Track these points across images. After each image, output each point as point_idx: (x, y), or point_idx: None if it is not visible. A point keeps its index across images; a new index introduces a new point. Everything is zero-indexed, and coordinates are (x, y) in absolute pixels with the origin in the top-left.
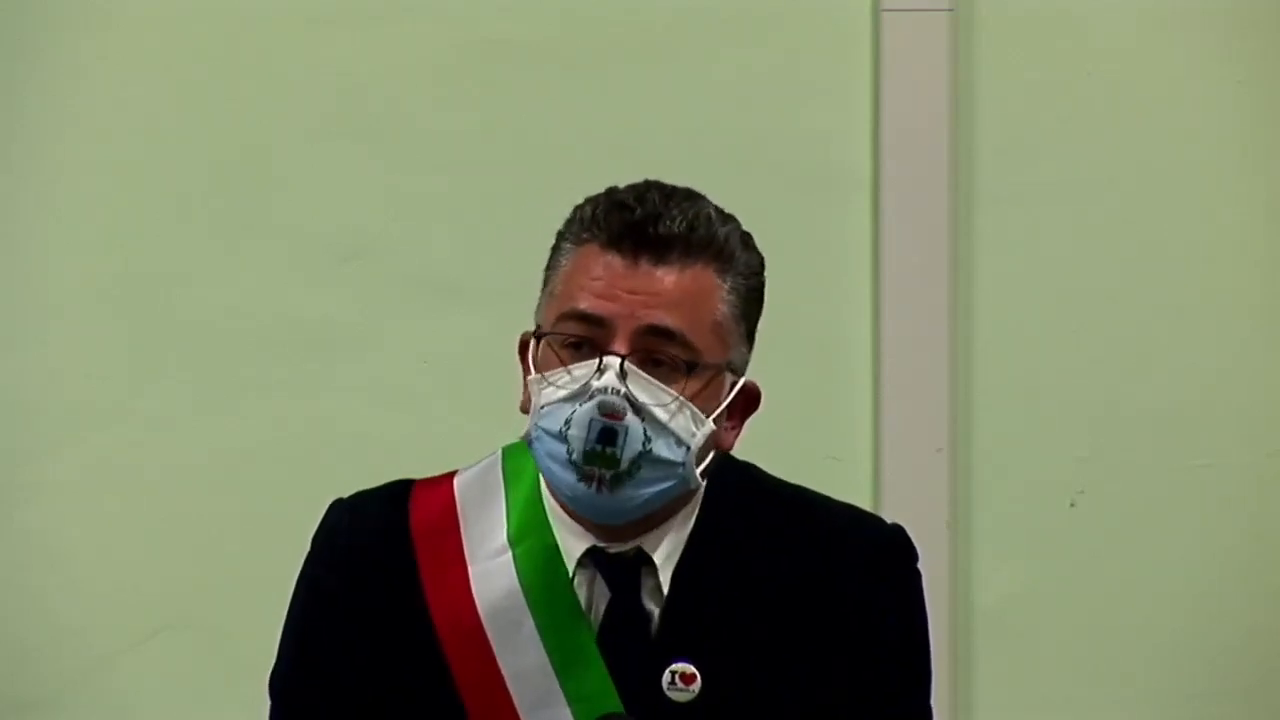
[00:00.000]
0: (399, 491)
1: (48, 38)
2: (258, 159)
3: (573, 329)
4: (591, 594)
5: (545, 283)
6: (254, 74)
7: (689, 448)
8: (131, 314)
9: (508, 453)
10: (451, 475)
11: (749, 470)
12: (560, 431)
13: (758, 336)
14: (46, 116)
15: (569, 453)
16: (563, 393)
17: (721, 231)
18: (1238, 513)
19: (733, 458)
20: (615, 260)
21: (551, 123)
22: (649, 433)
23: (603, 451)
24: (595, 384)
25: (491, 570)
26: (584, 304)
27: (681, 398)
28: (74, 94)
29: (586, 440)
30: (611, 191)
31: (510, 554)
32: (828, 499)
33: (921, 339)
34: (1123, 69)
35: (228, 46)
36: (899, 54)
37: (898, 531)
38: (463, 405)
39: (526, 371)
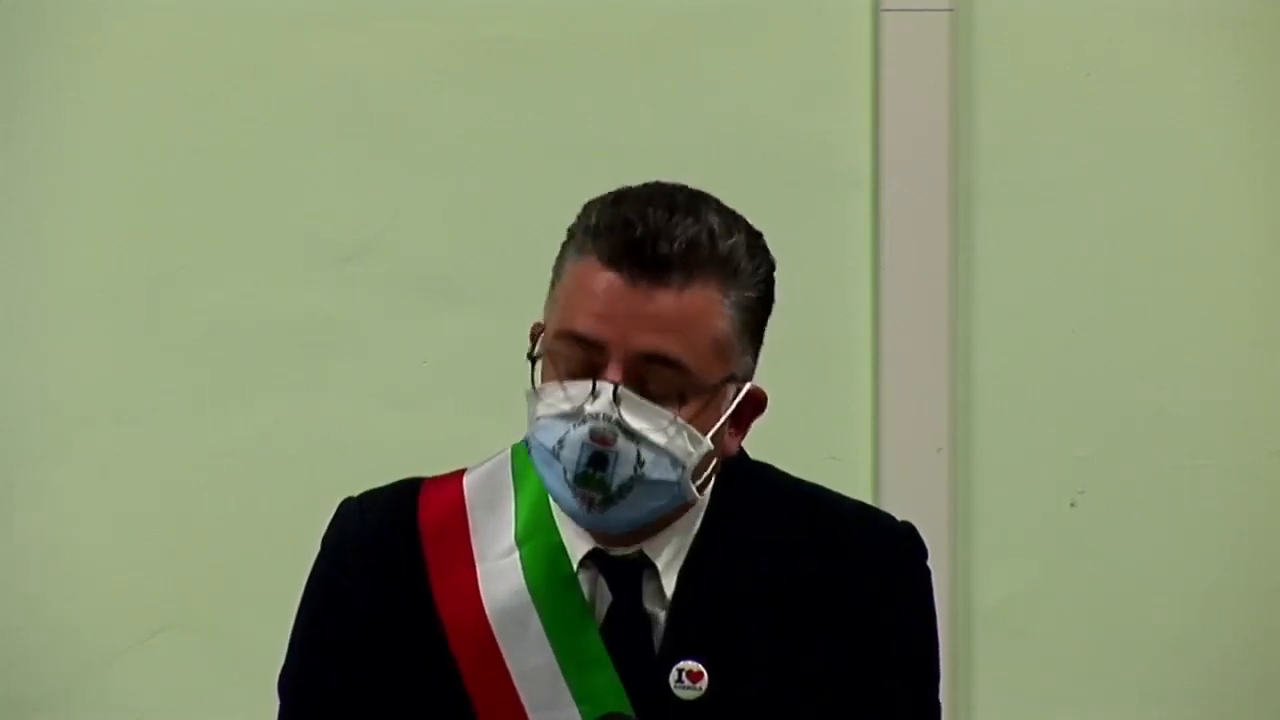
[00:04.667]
0: (408, 490)
1: (47, 38)
2: (258, 159)
3: (569, 351)
4: (595, 594)
5: (553, 281)
6: (254, 74)
7: (685, 467)
8: (132, 314)
9: (516, 451)
10: (461, 473)
11: (763, 469)
12: (554, 450)
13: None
14: (46, 116)
15: (563, 473)
16: (557, 410)
17: (725, 246)
18: (1238, 513)
19: (747, 457)
20: (614, 280)
21: (551, 123)
22: (642, 455)
23: (593, 475)
24: (589, 409)
25: (499, 570)
26: (580, 325)
27: (678, 420)
28: (73, 94)
29: (578, 464)
30: (619, 199)
31: (517, 554)
32: (838, 495)
33: (921, 339)
34: (1123, 69)
35: (227, 46)
36: (899, 54)
37: (908, 528)
38: (463, 405)
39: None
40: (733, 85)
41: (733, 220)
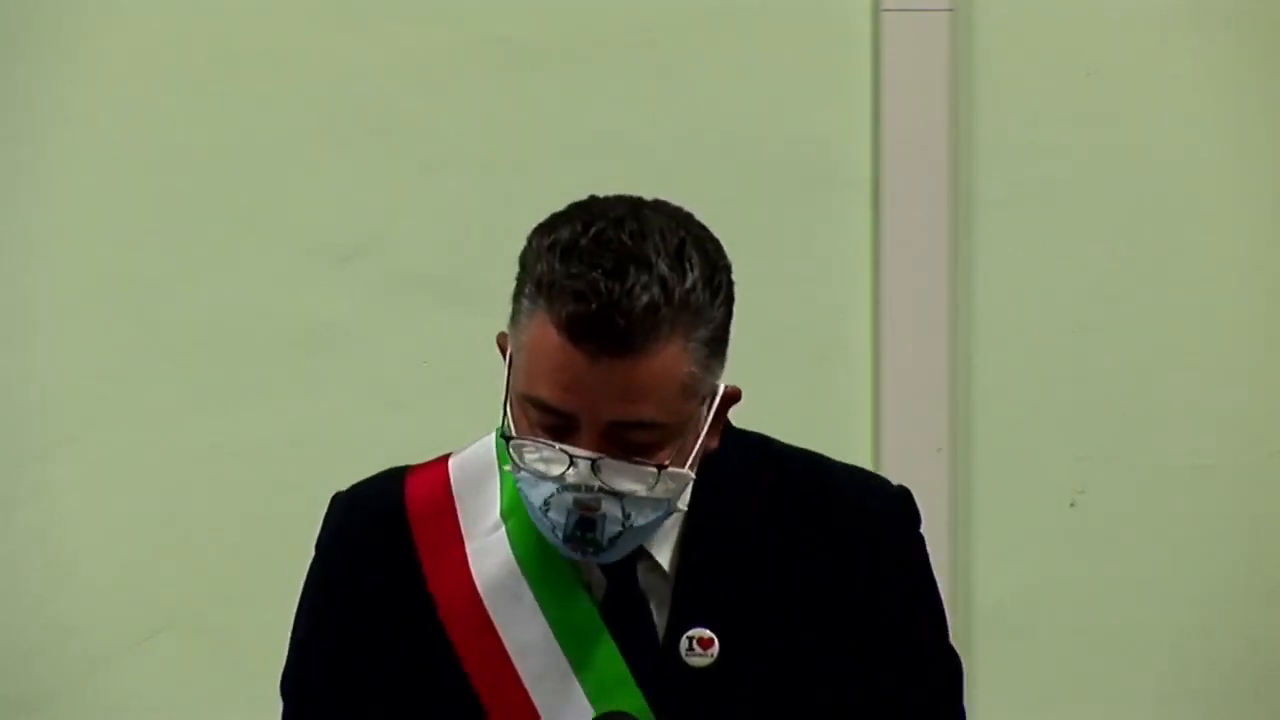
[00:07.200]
0: (394, 477)
1: (46, 38)
2: (258, 159)
3: (538, 415)
4: (590, 579)
5: (513, 312)
6: (254, 74)
7: (671, 500)
8: (131, 314)
9: (501, 432)
10: (445, 458)
11: (752, 437)
12: (541, 509)
13: (756, 336)
14: (45, 116)
15: (553, 529)
16: (540, 470)
17: (680, 294)
18: (1238, 513)
19: (732, 426)
20: (575, 355)
21: (551, 123)
22: (628, 509)
23: (583, 536)
24: (570, 478)
25: (488, 546)
26: (547, 395)
27: (660, 468)
28: (72, 93)
29: (567, 526)
30: (566, 251)
31: (504, 528)
32: (831, 460)
33: (921, 339)
34: (1123, 69)
35: (227, 46)
36: (899, 54)
37: (903, 491)
38: (463, 405)
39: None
40: (733, 85)
41: (682, 253)
